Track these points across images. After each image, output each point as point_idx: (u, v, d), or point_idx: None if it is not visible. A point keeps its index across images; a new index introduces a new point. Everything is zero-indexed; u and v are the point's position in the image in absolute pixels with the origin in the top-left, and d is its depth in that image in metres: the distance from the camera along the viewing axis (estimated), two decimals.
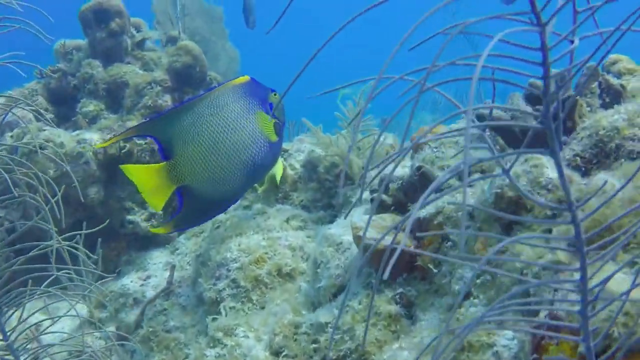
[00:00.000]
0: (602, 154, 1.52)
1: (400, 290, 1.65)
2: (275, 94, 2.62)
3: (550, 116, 0.72)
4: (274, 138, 2.60)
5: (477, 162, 0.75)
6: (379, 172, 2.59)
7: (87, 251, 2.42)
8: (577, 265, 1.26)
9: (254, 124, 2.55)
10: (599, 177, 1.34)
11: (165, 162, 2.61)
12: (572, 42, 0.72)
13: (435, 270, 1.60)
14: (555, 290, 1.22)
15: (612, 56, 2.13)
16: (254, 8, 3.09)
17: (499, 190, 1.44)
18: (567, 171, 1.42)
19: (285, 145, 3.17)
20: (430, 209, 1.66)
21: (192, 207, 2.68)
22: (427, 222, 1.66)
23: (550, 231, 1.34)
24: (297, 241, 2.58)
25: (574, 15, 0.71)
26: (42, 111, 3.70)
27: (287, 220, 2.73)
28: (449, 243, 1.58)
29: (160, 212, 3.51)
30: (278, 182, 2.89)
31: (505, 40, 0.68)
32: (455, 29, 0.71)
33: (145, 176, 2.64)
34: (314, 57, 0.70)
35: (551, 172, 1.40)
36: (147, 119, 2.56)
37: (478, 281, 1.43)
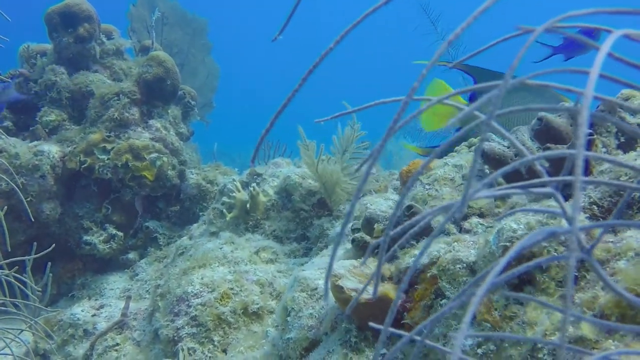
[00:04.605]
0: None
1: (383, 351, 1.42)
2: None
3: None
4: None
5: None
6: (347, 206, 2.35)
7: (32, 285, 2.14)
8: (607, 344, 1.03)
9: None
10: (630, 235, 1.12)
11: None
12: None
13: (425, 332, 1.36)
14: None
15: (625, 91, 1.92)
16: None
17: (508, 244, 1.21)
18: (589, 225, 1.19)
19: (258, 169, 2.93)
20: (422, 259, 1.43)
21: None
22: (418, 274, 1.42)
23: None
24: (266, 276, 2.34)
25: None
26: None
27: (257, 252, 2.49)
28: (444, 300, 1.35)
29: (120, 234, 3.25)
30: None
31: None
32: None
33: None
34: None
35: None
36: (474, 67, 2.61)
37: (479, 351, 1.19)
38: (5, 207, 2.14)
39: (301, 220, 2.63)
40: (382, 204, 2.25)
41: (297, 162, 3.01)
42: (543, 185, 0.60)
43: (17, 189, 2.14)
